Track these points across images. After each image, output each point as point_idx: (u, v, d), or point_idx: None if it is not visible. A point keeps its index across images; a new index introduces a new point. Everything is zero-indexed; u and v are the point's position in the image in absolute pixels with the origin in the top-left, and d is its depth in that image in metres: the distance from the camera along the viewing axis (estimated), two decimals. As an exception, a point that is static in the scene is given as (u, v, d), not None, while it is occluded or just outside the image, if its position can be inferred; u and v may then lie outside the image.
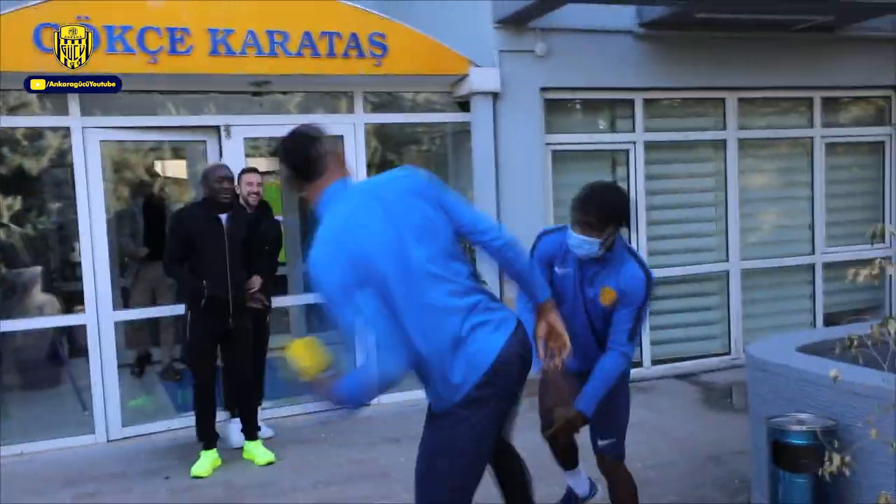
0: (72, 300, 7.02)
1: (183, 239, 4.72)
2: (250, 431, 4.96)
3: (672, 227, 6.80)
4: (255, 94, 5.74)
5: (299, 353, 2.30)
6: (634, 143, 6.55)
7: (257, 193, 5.14)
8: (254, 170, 5.23)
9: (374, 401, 5.07)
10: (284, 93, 5.91)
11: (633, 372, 6.48)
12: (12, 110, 5.83)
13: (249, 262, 4.90)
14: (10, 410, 6.04)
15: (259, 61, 5.33)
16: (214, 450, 4.83)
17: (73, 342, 6.60)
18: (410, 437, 5.18)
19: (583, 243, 3.00)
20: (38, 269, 7.03)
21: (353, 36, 5.52)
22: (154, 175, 7.72)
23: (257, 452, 4.90)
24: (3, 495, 4.47)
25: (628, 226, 3.05)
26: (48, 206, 7.76)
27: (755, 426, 3.72)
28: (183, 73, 5.19)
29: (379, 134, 7.29)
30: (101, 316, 5.34)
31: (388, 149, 7.83)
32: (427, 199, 2.47)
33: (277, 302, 5.77)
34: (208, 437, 4.82)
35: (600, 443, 3.25)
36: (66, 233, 7.82)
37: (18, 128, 6.93)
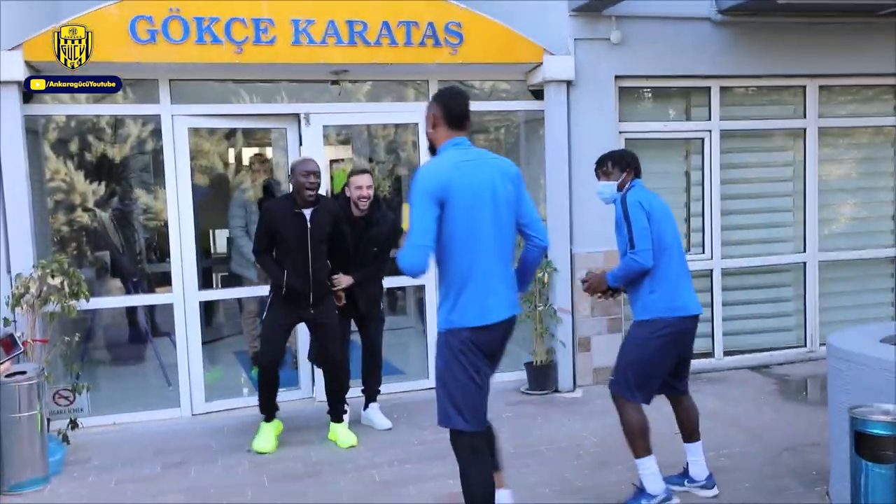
0: (156, 281, 7.36)
1: (268, 230, 4.82)
2: (337, 414, 5.09)
3: (747, 217, 6.70)
4: (334, 82, 5.89)
5: None
6: (710, 131, 6.47)
7: (367, 197, 5.03)
8: (364, 171, 5.19)
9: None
10: (353, 81, 6.03)
11: (704, 362, 6.49)
12: (99, 100, 6.13)
13: (338, 257, 5.01)
14: (101, 384, 6.37)
15: (339, 50, 5.47)
16: (275, 421, 5.02)
17: (154, 322, 6.93)
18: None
19: (604, 188, 4.05)
20: (124, 251, 7.36)
21: (430, 25, 5.60)
22: (264, 162, 7.60)
23: (341, 435, 5.03)
24: (99, 462, 4.76)
25: (637, 173, 3.97)
26: (131, 191, 8.11)
27: (835, 416, 3.68)
28: (266, 62, 5.37)
29: (450, 122, 7.39)
30: (186, 296, 5.59)
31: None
32: (514, 185, 3.23)
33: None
34: (268, 410, 4.99)
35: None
36: (150, 216, 8.17)
37: (103, 116, 7.30)
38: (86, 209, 7.75)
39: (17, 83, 4.97)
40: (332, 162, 9.22)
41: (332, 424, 5.10)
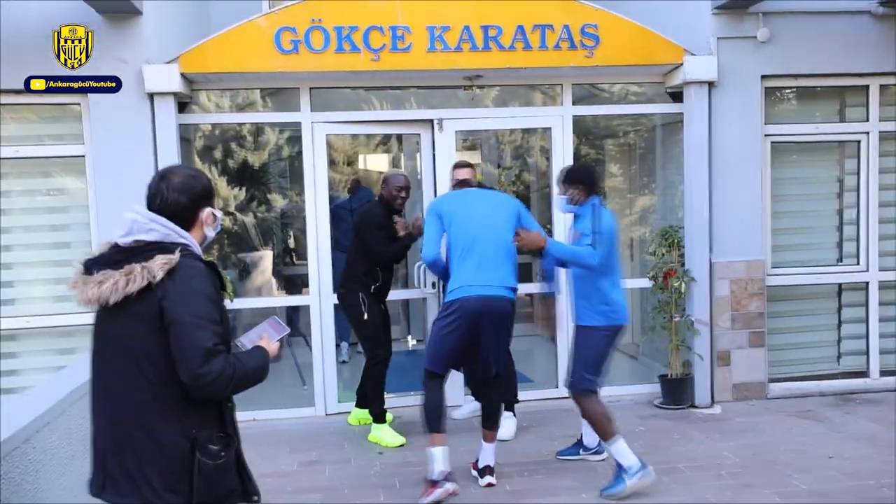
0: (292, 283, 7.62)
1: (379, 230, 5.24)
2: (380, 414, 5.25)
3: (908, 225, 6.18)
4: (465, 88, 5.89)
5: None
6: (868, 133, 6.00)
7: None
8: (467, 164, 5.14)
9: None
10: (483, 87, 5.99)
11: (858, 382, 6.06)
12: (243, 109, 6.43)
13: None
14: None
15: (473, 56, 5.46)
16: (388, 416, 5.27)
17: (291, 322, 7.16)
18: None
19: (560, 201, 4.49)
20: (264, 253, 7.67)
21: (565, 27, 5.50)
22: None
23: (381, 435, 5.18)
24: (241, 455, 4.94)
25: (593, 189, 4.35)
26: (270, 196, 8.46)
27: None
28: (402, 69, 5.44)
29: (577, 125, 7.23)
30: (322, 298, 5.75)
31: (586, 142, 7.74)
32: (510, 213, 4.47)
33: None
34: (382, 411, 5.23)
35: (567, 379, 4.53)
36: (287, 220, 8.49)
37: (245, 124, 7.65)
38: (228, 213, 8.14)
39: (174, 94, 5.28)
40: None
41: (375, 426, 5.24)
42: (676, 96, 5.95)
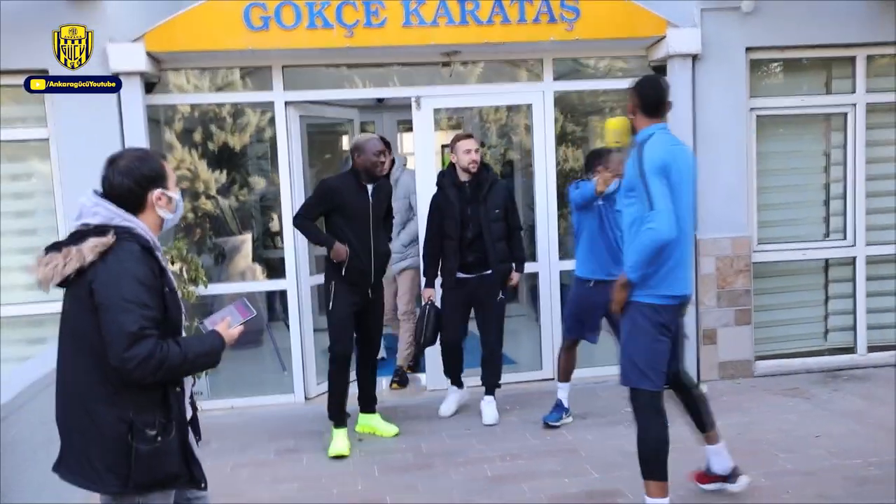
0: (274, 267, 7.46)
1: (328, 205, 4.68)
2: (369, 403, 5.01)
3: (894, 199, 6.07)
4: (444, 64, 5.73)
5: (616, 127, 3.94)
6: (854, 104, 5.89)
7: (476, 161, 4.87)
8: (469, 135, 5.03)
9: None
10: (465, 63, 5.84)
11: (845, 359, 6.00)
12: (220, 89, 6.23)
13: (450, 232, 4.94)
14: (220, 367, 6.50)
15: (450, 31, 5.30)
16: (345, 428, 4.76)
17: (271, 307, 7.03)
18: (597, 413, 5.07)
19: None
20: (242, 237, 7.52)
21: (545, 0, 5.35)
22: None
23: (375, 424, 4.98)
24: (217, 445, 4.83)
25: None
26: (250, 180, 8.28)
27: None
28: (377, 45, 5.28)
29: (561, 103, 7.09)
30: (300, 281, 5.62)
31: (571, 119, 7.60)
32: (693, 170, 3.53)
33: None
34: (342, 415, 4.73)
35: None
36: (267, 204, 8.32)
37: (224, 104, 7.45)
38: (209, 196, 7.97)
39: (140, 74, 5.10)
40: (444, 147, 9.16)
41: (363, 415, 5.02)
42: (660, 70, 5.80)
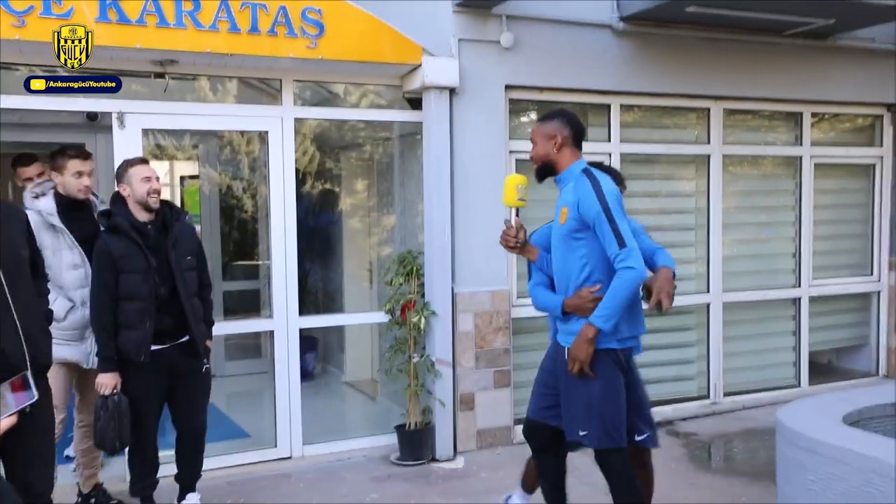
0: None
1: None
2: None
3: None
4: (157, 75, 4.64)
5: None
6: (609, 154, 5.67)
7: (158, 191, 3.81)
8: (145, 160, 3.96)
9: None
10: (195, 77, 4.83)
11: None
12: None
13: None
14: None
15: (162, 34, 4.26)
16: None
17: None
18: None
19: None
20: None
21: (282, 9, 4.49)
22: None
23: None
24: None
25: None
26: None
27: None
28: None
29: (313, 134, 6.28)
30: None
31: (324, 153, 6.80)
32: None
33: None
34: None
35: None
36: None
37: None
38: None
39: None
40: (182, 179, 7.89)
41: None
42: (416, 103, 5.20)
